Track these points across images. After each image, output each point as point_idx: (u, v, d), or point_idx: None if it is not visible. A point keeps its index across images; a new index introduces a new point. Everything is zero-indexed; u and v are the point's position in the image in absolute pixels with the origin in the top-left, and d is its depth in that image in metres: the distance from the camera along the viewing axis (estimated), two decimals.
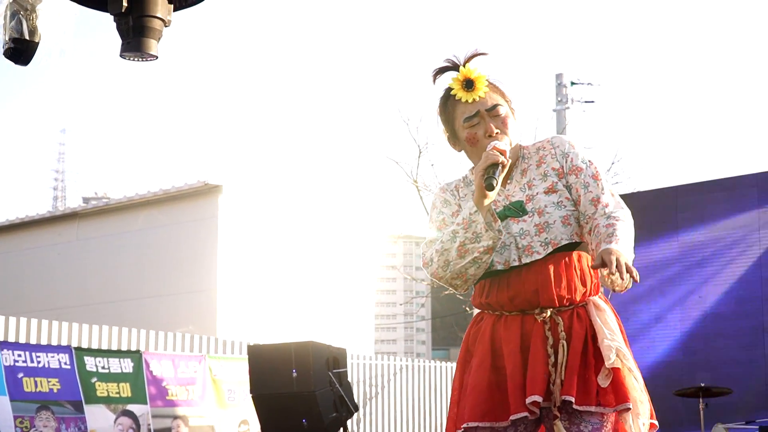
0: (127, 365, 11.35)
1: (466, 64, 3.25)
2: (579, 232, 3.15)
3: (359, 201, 20.40)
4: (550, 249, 3.11)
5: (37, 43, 4.23)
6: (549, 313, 3.10)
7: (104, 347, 11.97)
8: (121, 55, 4.10)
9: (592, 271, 3.14)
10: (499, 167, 3.04)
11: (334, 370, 10.18)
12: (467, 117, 3.23)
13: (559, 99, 20.51)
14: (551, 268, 3.10)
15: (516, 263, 3.13)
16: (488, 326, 3.18)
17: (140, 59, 4.11)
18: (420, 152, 19.23)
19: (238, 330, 16.89)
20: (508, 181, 3.24)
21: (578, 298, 3.12)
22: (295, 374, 10.01)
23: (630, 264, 2.90)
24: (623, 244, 2.96)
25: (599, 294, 3.21)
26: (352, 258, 19.92)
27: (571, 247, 3.13)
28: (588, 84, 20.98)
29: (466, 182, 3.32)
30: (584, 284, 3.13)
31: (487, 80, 3.24)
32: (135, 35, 4.00)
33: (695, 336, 9.37)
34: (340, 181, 20.50)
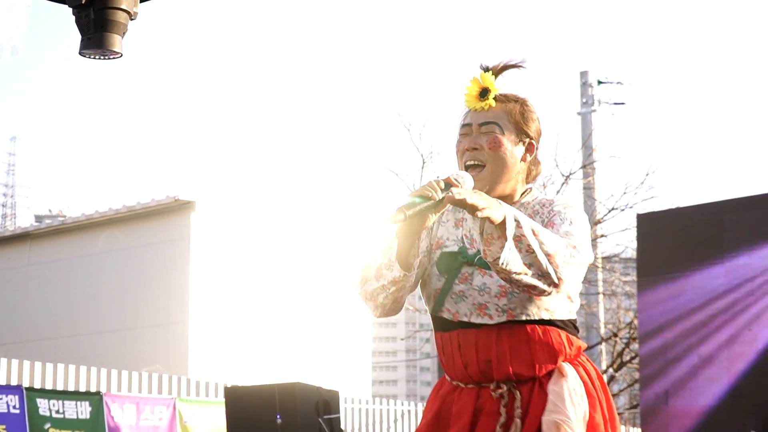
0: (84, 409, 11.32)
1: (494, 73, 3.27)
2: (552, 307, 3.15)
3: (353, 219, 20.40)
4: (504, 318, 3.11)
5: None
6: (505, 387, 3.13)
7: (59, 388, 11.95)
8: (80, 53, 4.11)
9: (566, 343, 3.15)
10: (429, 204, 2.98)
11: (325, 416, 10.16)
12: (462, 124, 3.29)
13: (584, 100, 20.56)
14: (508, 339, 3.13)
15: (466, 319, 3.15)
16: (440, 397, 3.24)
17: (102, 57, 4.12)
18: (423, 162, 19.25)
19: (213, 369, 16.86)
20: None
21: (542, 373, 3.14)
22: (279, 420, 10.00)
23: (477, 203, 2.80)
24: (507, 212, 2.85)
25: (573, 357, 3.20)
26: (345, 286, 19.91)
27: (536, 321, 3.13)
28: (617, 83, 21.05)
29: (456, 208, 3.33)
30: (553, 359, 3.14)
31: (501, 95, 3.26)
32: (96, 30, 4.02)
33: (745, 377, 9.36)
34: (331, 196, 20.50)
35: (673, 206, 14.11)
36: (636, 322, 15.20)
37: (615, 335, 18.40)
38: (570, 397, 3.11)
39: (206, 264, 17.67)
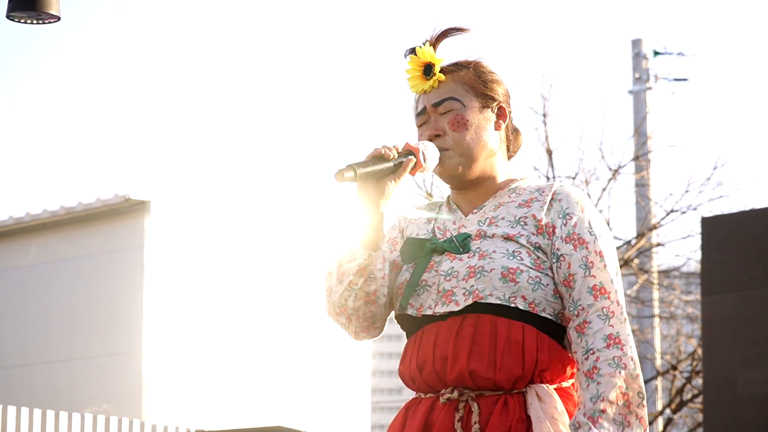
0: None
1: (432, 44, 3.35)
2: (537, 299, 3.22)
3: (346, 226, 20.39)
4: (470, 301, 3.19)
5: None
6: (456, 393, 3.18)
7: None
8: (8, 16, 4.14)
9: (549, 354, 3.21)
10: (384, 166, 3.17)
11: None
12: (416, 114, 3.39)
13: (637, 76, 20.62)
14: (469, 331, 3.18)
15: (429, 312, 3.24)
16: (400, 415, 3.32)
17: (36, 21, 4.14)
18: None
19: (174, 410, 16.88)
20: (474, 210, 3.35)
21: (508, 384, 3.18)
22: None
23: None
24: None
25: (562, 384, 3.27)
26: None
27: (513, 313, 3.19)
28: (678, 54, 21.08)
29: (433, 206, 3.48)
30: (523, 366, 3.18)
31: (449, 66, 3.36)
32: None
33: None
34: (318, 197, 20.51)
35: (748, 208, 14.11)
36: (700, 351, 15.20)
37: (674, 368, 18.39)
38: (557, 420, 3.13)
39: (164, 278, 17.69)
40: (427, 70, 3.33)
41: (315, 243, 19.79)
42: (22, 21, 4.24)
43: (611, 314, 3.18)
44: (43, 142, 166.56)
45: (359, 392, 20.55)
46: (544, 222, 3.25)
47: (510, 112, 3.41)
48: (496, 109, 3.35)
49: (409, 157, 3.21)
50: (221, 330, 18.18)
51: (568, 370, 3.25)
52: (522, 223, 3.26)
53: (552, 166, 16.72)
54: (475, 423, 3.14)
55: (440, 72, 3.34)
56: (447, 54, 3.36)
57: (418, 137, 3.37)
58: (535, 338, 3.19)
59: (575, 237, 3.23)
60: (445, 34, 3.36)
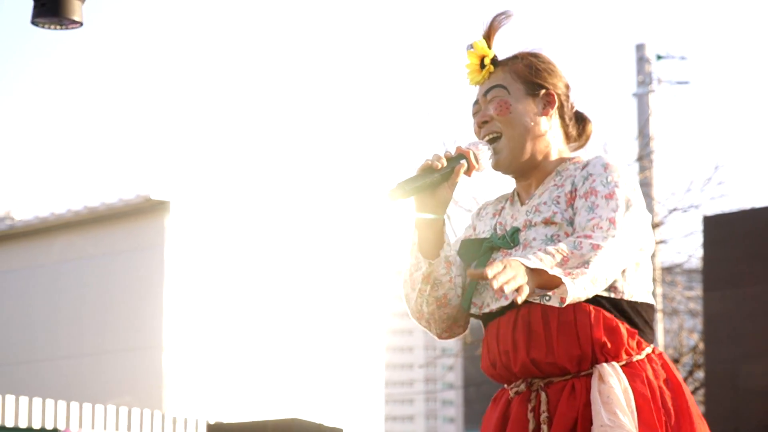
0: None
1: (486, 38, 3.39)
2: None
3: (361, 224, 20.42)
4: (516, 295, 3.14)
5: None
6: (523, 385, 3.20)
7: (9, 424, 11.99)
8: (33, 22, 4.13)
9: (606, 330, 3.18)
10: (434, 177, 3.16)
11: None
12: (473, 104, 3.41)
13: (640, 79, 20.54)
14: (524, 322, 3.20)
15: (487, 309, 3.27)
16: (489, 408, 3.36)
17: (59, 27, 4.14)
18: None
19: (193, 403, 16.89)
20: (527, 200, 3.35)
21: (571, 365, 3.17)
22: None
23: (520, 280, 2.89)
24: (544, 262, 2.97)
25: (633, 359, 3.21)
26: (351, 303, 19.93)
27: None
28: (680, 58, 21.02)
29: (501, 198, 3.48)
30: (580, 345, 3.16)
31: (504, 59, 3.38)
32: None
33: None
34: (334, 198, 20.51)
35: (747, 207, 14.06)
36: (702, 345, 15.16)
37: (676, 361, 18.36)
38: (626, 405, 3.10)
39: (184, 276, 17.70)
40: (482, 63, 3.37)
41: (329, 241, 19.79)
42: (47, 27, 4.24)
43: (598, 228, 3.10)
44: (67, 144, 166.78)
45: (373, 385, 20.54)
46: (569, 190, 3.24)
47: (566, 101, 3.39)
48: (542, 95, 3.35)
49: (461, 162, 3.20)
50: (239, 326, 18.19)
51: (632, 343, 3.19)
52: (556, 202, 3.25)
53: None
54: (543, 412, 3.15)
55: (496, 64, 3.37)
56: (505, 47, 3.40)
57: (473, 126, 3.39)
58: (587, 315, 3.17)
59: (590, 191, 3.20)
60: (495, 25, 3.38)
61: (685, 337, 19.65)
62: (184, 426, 13.69)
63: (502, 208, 3.42)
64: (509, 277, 2.86)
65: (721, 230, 10.01)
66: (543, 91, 3.35)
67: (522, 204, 3.36)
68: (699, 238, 16.89)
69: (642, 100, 20.40)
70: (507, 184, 3.46)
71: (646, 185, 18.45)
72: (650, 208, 17.90)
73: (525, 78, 3.34)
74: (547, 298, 2.96)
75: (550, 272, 2.92)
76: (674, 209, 17.58)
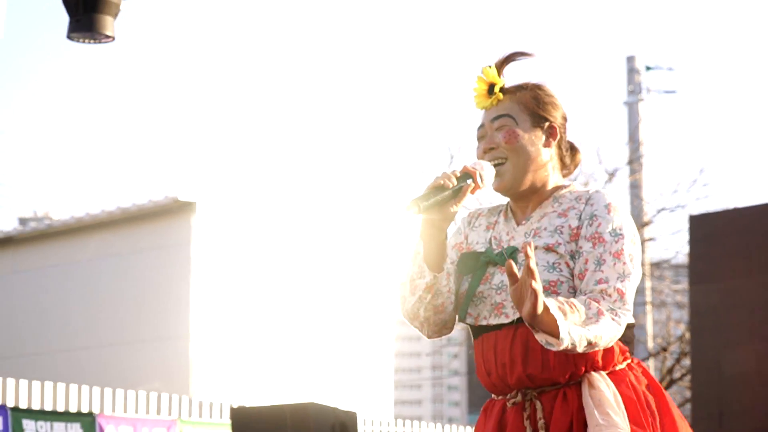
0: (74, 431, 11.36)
1: (497, 66, 3.37)
2: None
3: (372, 221, 20.41)
4: (518, 315, 3.15)
5: None
6: (519, 396, 3.21)
7: (48, 408, 12.00)
8: (68, 36, 4.13)
9: (602, 352, 3.20)
10: (445, 194, 3.16)
11: None
12: (477, 127, 3.40)
13: (630, 89, 20.54)
14: (522, 338, 3.19)
15: (484, 321, 3.26)
16: (481, 417, 3.36)
17: (93, 41, 4.14)
18: (452, 159, 19.26)
19: (218, 388, 16.89)
20: (524, 221, 3.34)
21: (563, 378, 3.19)
22: None
23: (537, 309, 2.92)
24: (566, 320, 3.00)
25: (616, 368, 3.23)
26: (363, 295, 19.92)
27: None
28: (668, 69, 21.01)
29: (493, 210, 3.47)
30: (572, 361, 3.18)
31: (512, 87, 3.37)
32: (86, 11, 4.03)
33: None
34: (349, 199, 20.50)
35: (730, 207, 14.04)
36: (688, 335, 15.14)
37: (664, 350, 18.36)
38: (618, 407, 3.12)
39: (209, 271, 17.70)
40: (491, 89, 3.35)
41: (343, 242, 19.79)
42: (81, 41, 4.23)
43: (611, 298, 3.14)
44: (101, 150, 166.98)
45: (384, 371, 20.53)
46: (574, 226, 3.24)
47: (564, 132, 3.40)
48: (546, 128, 3.35)
49: (468, 181, 3.20)
50: (260, 317, 18.20)
51: (618, 356, 3.23)
52: (559, 232, 3.25)
53: None
54: (540, 419, 3.16)
55: (503, 92, 3.36)
56: (513, 76, 3.39)
57: (476, 150, 3.38)
58: None
59: (597, 236, 3.20)
60: (511, 58, 3.38)
61: (673, 327, 19.66)
62: (209, 409, 13.68)
63: (496, 222, 3.41)
64: (526, 296, 2.93)
65: (705, 228, 9.99)
66: (547, 124, 3.35)
67: (518, 224, 3.35)
68: (685, 236, 16.89)
69: (632, 108, 20.39)
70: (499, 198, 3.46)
71: (636, 187, 18.44)
72: (640, 208, 17.91)
73: (531, 110, 3.34)
74: (542, 338, 3.01)
75: (560, 325, 2.96)
76: (662, 209, 17.59)
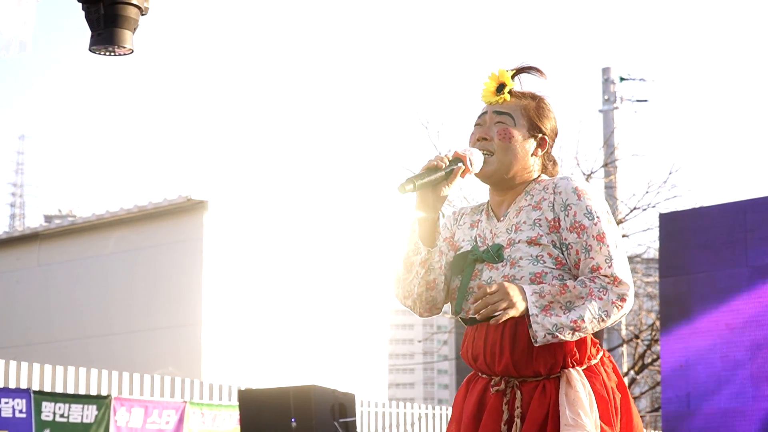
0: (90, 413, 11.35)
1: (513, 73, 3.41)
2: None
3: (369, 218, 20.41)
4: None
5: None
6: (503, 384, 3.23)
7: (69, 391, 12.00)
8: (90, 49, 4.13)
9: (575, 343, 3.23)
10: (438, 174, 3.21)
11: (341, 420, 10.18)
12: (478, 115, 3.41)
13: (606, 97, 20.51)
14: (509, 330, 3.22)
15: (474, 314, 3.24)
16: (463, 387, 3.38)
17: (113, 54, 4.14)
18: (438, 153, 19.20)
19: (226, 372, 16.90)
20: (502, 217, 3.36)
21: (545, 370, 3.21)
22: (294, 424, 10.02)
23: (499, 302, 3.05)
24: (543, 306, 3.09)
25: (591, 363, 3.25)
26: (361, 287, 19.93)
27: None
28: (640, 80, 20.98)
29: (476, 210, 3.48)
30: (555, 355, 3.20)
31: (518, 92, 3.40)
32: (107, 26, 4.04)
33: None
34: (346, 195, 20.51)
35: (697, 206, 14.03)
36: (658, 323, 15.14)
37: (636, 337, 18.34)
38: (590, 407, 3.15)
39: (219, 265, 17.71)
40: (500, 88, 3.38)
41: (342, 238, 19.80)
42: (102, 53, 4.23)
43: (607, 279, 3.18)
44: (120, 151, 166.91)
45: (379, 357, 20.54)
46: (551, 218, 3.26)
47: (551, 146, 3.43)
48: (538, 138, 3.37)
49: (459, 164, 3.23)
50: (266, 306, 18.21)
51: (592, 350, 3.25)
52: (538, 225, 3.26)
53: None
54: (518, 407, 3.18)
55: (510, 94, 3.39)
56: (522, 83, 3.42)
57: (470, 133, 3.40)
58: None
59: (577, 225, 3.22)
60: (526, 69, 3.41)
61: (644, 316, 19.65)
62: (219, 391, 13.69)
63: (479, 220, 3.42)
64: (493, 301, 3.06)
65: (674, 226, 10.00)
66: (540, 135, 3.37)
67: (498, 220, 3.36)
68: (656, 233, 16.88)
69: (607, 115, 20.37)
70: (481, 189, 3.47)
71: (610, 187, 18.42)
72: (615, 207, 17.89)
73: (530, 119, 3.36)
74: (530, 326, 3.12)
75: (534, 320, 3.08)
76: (635, 208, 17.57)
